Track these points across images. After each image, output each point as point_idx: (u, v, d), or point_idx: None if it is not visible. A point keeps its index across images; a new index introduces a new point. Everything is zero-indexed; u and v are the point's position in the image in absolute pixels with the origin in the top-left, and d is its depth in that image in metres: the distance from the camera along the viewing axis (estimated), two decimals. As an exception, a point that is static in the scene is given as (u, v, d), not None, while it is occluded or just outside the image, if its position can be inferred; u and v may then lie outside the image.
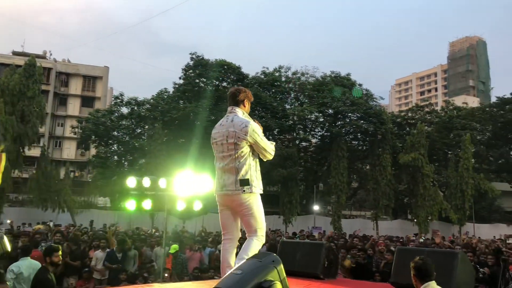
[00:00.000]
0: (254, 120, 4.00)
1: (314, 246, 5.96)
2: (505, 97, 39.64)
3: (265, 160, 3.99)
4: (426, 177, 31.12)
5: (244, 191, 3.73)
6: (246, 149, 3.79)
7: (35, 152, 31.85)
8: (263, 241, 3.88)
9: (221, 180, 3.87)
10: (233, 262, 3.84)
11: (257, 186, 3.83)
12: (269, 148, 3.93)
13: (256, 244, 3.80)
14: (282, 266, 3.09)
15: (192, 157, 25.96)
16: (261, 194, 3.91)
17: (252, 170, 3.81)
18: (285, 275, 3.09)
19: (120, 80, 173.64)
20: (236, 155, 3.77)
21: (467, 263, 4.90)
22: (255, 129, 3.83)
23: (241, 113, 4.04)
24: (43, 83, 33.06)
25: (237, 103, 4.10)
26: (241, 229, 4.09)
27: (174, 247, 10.77)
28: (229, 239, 4.00)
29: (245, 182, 3.73)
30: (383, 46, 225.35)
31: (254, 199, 3.80)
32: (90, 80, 47.62)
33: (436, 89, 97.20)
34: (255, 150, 3.88)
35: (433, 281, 3.71)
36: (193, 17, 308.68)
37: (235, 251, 3.95)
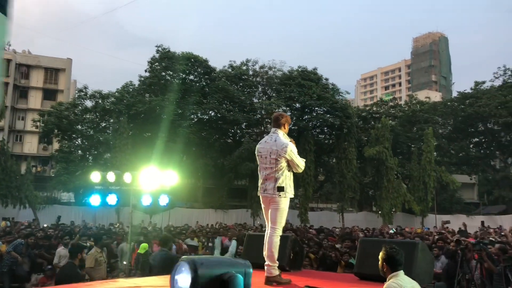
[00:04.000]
0: (291, 140, 4.94)
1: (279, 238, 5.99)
2: (466, 91, 40.91)
3: (295, 172, 4.92)
4: (390, 170, 31.83)
5: (280, 195, 4.74)
6: (284, 164, 4.76)
7: (-6, 146, 30.73)
8: (280, 233, 4.88)
9: (263, 185, 4.85)
10: None
11: (290, 192, 4.82)
12: (301, 165, 4.88)
13: (276, 241, 4.79)
14: (251, 271, 2.85)
15: (158, 152, 25.65)
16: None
17: (287, 180, 4.79)
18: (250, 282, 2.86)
19: (84, 72, 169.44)
20: (276, 168, 4.73)
21: (427, 252, 5.05)
22: (293, 150, 4.77)
23: (282, 134, 4.93)
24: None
25: (279, 125, 4.98)
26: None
27: (144, 246, 10.12)
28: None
29: (281, 189, 4.73)
30: (349, 41, 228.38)
31: (285, 201, 4.83)
32: (52, 72, 46.18)
33: (400, 84, 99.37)
34: (290, 165, 4.83)
35: (401, 271, 3.77)
36: (159, 9, 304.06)
37: None
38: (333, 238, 12.78)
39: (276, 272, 4.66)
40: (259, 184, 4.93)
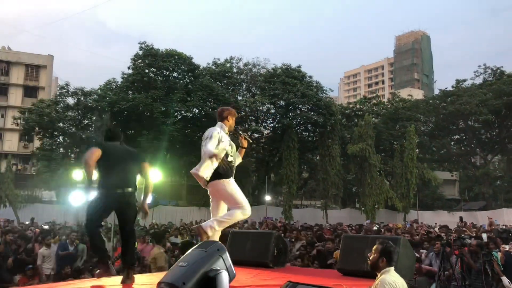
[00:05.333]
0: (240, 134, 5.07)
1: (263, 235, 6.03)
2: (447, 89, 41.44)
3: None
4: (373, 167, 32.10)
5: (208, 182, 4.66)
6: None
7: (-27, 144, 30.23)
8: (247, 212, 4.72)
9: None
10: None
11: (225, 174, 4.66)
12: (202, 151, 4.63)
13: (238, 214, 4.66)
14: (227, 254, 3.13)
15: (141, 149, 25.44)
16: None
17: (214, 164, 4.58)
18: (231, 262, 3.12)
19: (65, 69, 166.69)
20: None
21: (409, 248, 5.12)
22: (205, 135, 4.71)
23: (220, 126, 4.90)
24: (-19, 72, 31.30)
25: (222, 119, 4.97)
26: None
27: None
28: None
29: (217, 176, 4.63)
30: (333, 39, 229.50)
31: (219, 186, 4.68)
32: (33, 69, 45.46)
33: (383, 82, 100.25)
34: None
35: (393, 267, 3.74)
36: (140, 5, 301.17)
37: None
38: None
39: (210, 233, 4.56)
40: None
